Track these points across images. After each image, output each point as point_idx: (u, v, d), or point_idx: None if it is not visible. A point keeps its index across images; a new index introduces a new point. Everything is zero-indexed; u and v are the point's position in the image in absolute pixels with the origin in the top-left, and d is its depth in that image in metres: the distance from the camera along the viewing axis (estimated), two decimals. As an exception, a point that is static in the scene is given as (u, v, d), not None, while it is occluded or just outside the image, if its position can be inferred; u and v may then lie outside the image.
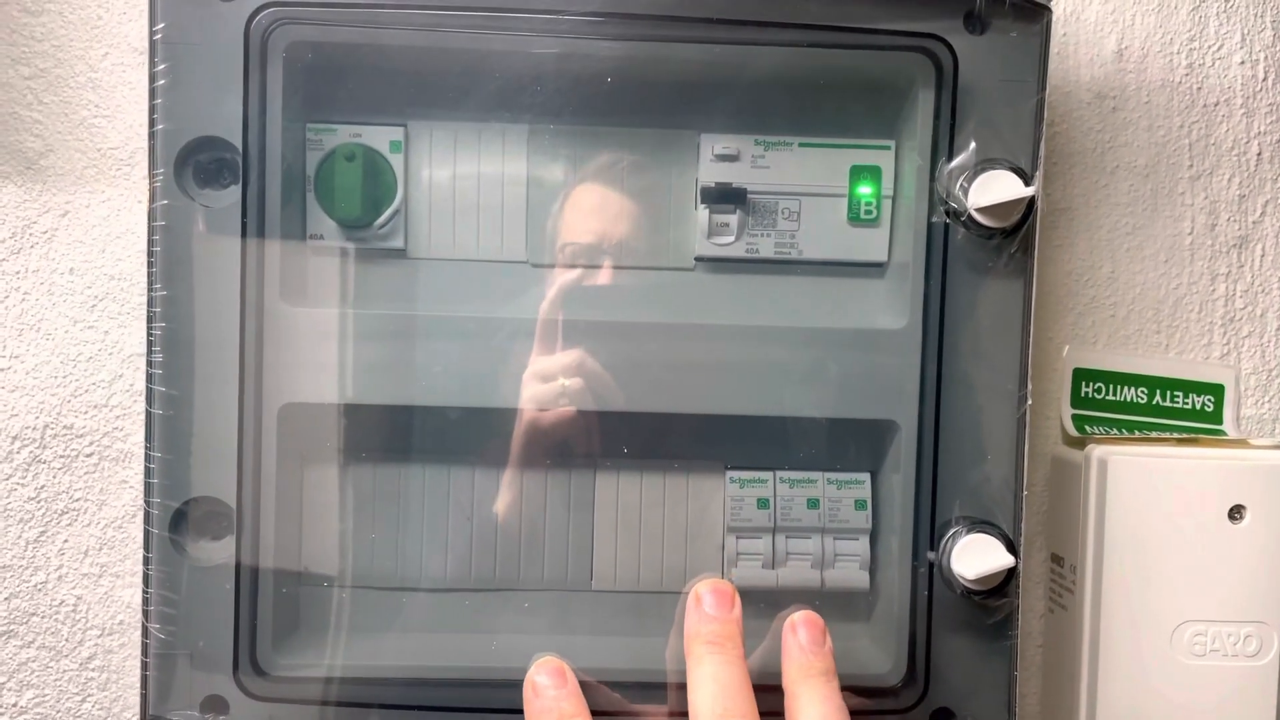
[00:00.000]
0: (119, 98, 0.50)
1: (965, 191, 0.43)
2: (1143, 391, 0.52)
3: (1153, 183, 0.52)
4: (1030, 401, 0.45)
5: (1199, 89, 0.52)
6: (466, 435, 0.46)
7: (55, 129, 0.50)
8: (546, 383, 0.45)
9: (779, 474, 0.47)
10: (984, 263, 0.44)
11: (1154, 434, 0.51)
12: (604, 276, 0.47)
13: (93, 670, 0.51)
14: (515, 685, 0.43)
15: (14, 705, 0.51)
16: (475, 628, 0.47)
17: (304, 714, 0.44)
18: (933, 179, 0.44)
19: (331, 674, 0.45)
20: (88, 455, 0.51)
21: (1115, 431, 0.51)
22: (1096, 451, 0.47)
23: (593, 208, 0.47)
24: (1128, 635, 0.47)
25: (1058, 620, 0.50)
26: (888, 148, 0.47)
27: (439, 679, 0.45)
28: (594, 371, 0.45)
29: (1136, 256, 0.52)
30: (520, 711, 0.40)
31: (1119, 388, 0.52)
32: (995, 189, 0.42)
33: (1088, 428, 0.51)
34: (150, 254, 0.43)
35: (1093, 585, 0.47)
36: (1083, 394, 0.52)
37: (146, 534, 0.44)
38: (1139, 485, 0.47)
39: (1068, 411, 0.51)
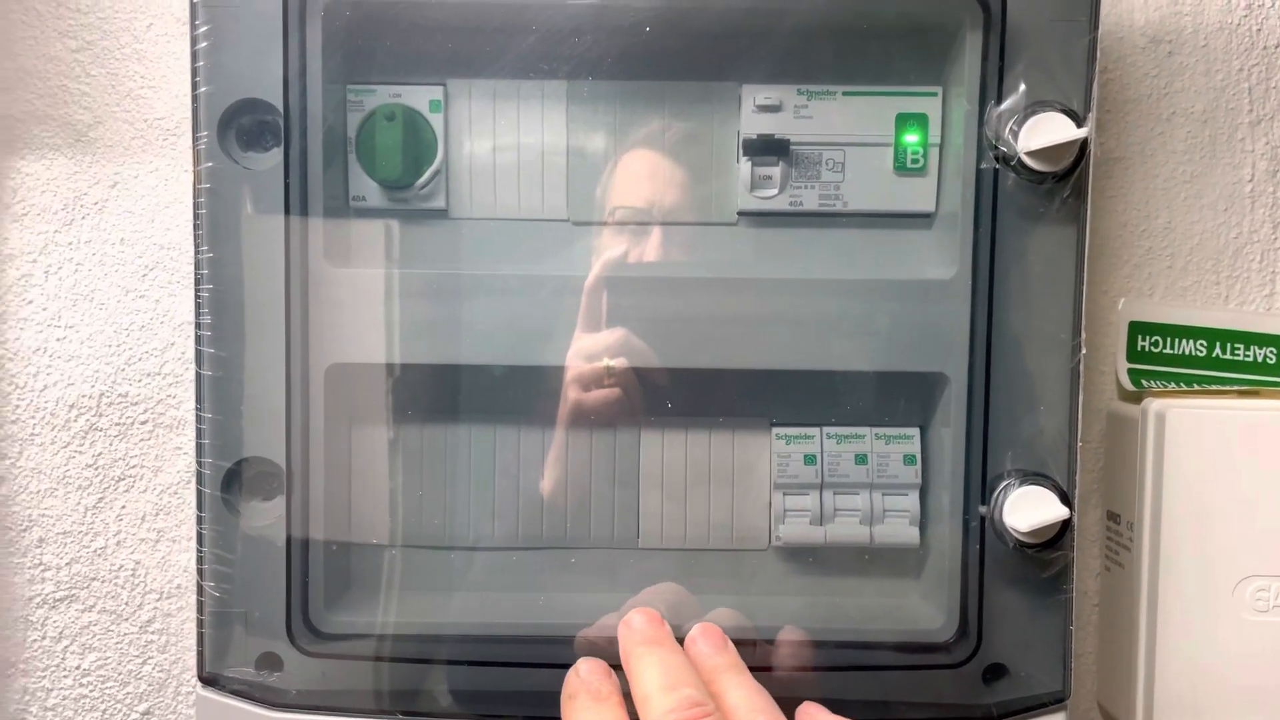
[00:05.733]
0: (164, 68, 0.51)
1: (1015, 135, 0.42)
2: (1202, 344, 0.50)
3: (1211, 129, 0.51)
4: (1084, 351, 0.44)
5: (1258, 30, 0.50)
6: (512, 394, 0.46)
7: (103, 101, 0.51)
8: (591, 363, 0.45)
9: (826, 429, 0.47)
10: (1035, 209, 0.43)
11: (1213, 387, 0.50)
12: (647, 236, 0.46)
13: (152, 633, 0.52)
14: (563, 641, 0.44)
15: (77, 668, 0.52)
16: (523, 585, 0.47)
17: (356, 669, 0.45)
18: (981, 124, 0.43)
19: (382, 631, 0.45)
20: (142, 422, 0.51)
21: (1173, 385, 0.50)
22: (1154, 405, 0.46)
23: (641, 173, 0.47)
24: (1188, 592, 0.46)
25: (1114, 578, 0.49)
26: (934, 94, 0.46)
27: (488, 635, 0.45)
28: (638, 349, 0.44)
29: (1195, 205, 0.51)
30: (565, 666, 0.40)
31: (1177, 340, 0.50)
32: (1046, 131, 0.41)
33: (1144, 382, 0.50)
34: (196, 217, 0.44)
35: (1151, 542, 0.46)
36: (1139, 348, 0.50)
37: (199, 494, 0.44)
38: (1198, 439, 0.46)
39: (1123, 365, 0.50)
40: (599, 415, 0.46)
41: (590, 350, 0.45)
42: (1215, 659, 0.46)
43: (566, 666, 0.41)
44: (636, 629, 0.40)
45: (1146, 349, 0.50)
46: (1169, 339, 0.51)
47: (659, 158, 0.47)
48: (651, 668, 0.38)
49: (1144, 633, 0.46)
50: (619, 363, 0.45)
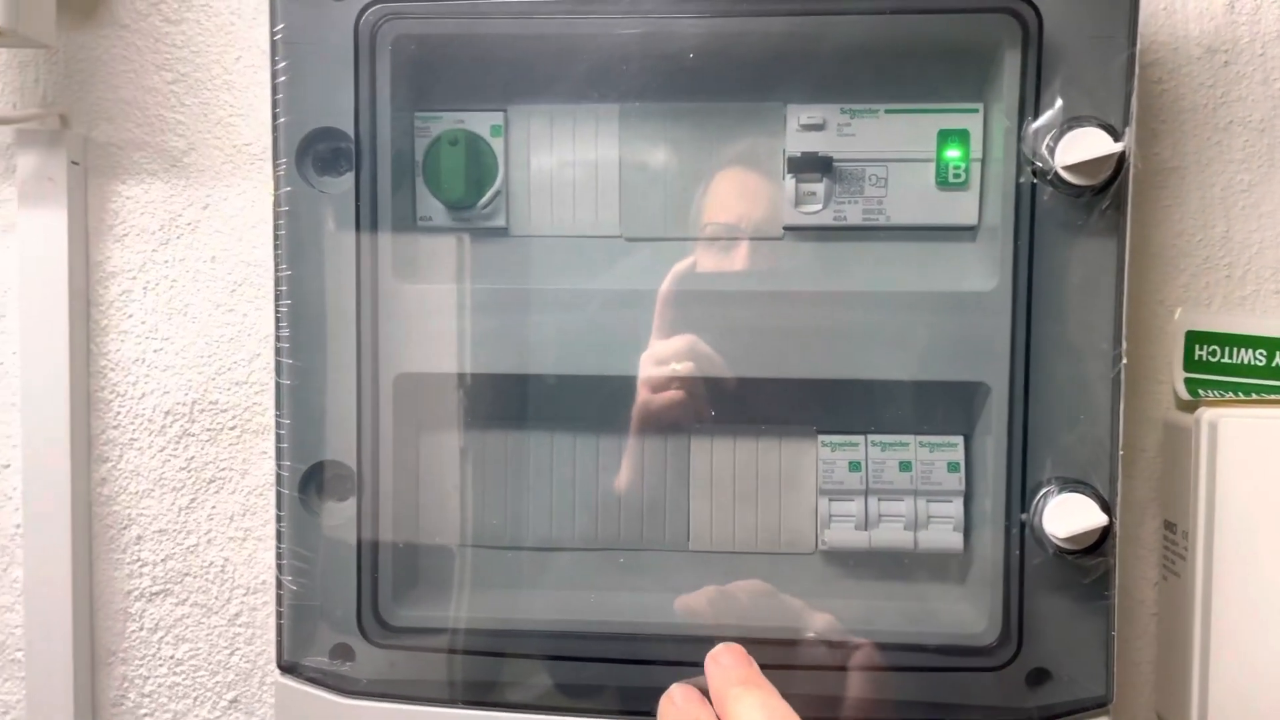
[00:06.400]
0: (251, 97, 0.54)
1: (1051, 151, 0.42)
2: (1261, 353, 0.50)
3: (1269, 137, 0.50)
4: (1125, 361, 0.44)
5: (1319, 38, 0.50)
6: (567, 402, 0.49)
7: (196, 129, 0.54)
8: (660, 366, 0.47)
9: (870, 437, 0.48)
10: (1074, 222, 0.44)
11: (1272, 396, 0.49)
12: (699, 251, 0.48)
13: (239, 626, 0.56)
14: (613, 638, 0.46)
15: (171, 657, 0.56)
16: (580, 584, 0.49)
17: (422, 661, 0.47)
18: (1019, 139, 0.44)
19: (445, 625, 0.48)
20: (231, 428, 0.55)
21: (1231, 395, 0.49)
22: (1207, 415, 0.46)
23: (727, 190, 0.48)
24: (1241, 601, 0.46)
25: (1171, 587, 0.49)
26: (975, 110, 0.46)
27: (546, 631, 0.47)
28: (704, 355, 0.46)
29: (1253, 214, 0.51)
30: (615, 661, 0.42)
31: (1235, 350, 0.50)
32: (1082, 146, 0.42)
33: (1202, 391, 0.50)
34: (276, 238, 0.47)
35: (1205, 551, 0.46)
36: (1196, 357, 0.50)
37: (279, 495, 0.47)
38: (1251, 448, 0.46)
39: (1180, 375, 0.50)
40: (663, 414, 0.48)
41: (659, 354, 0.47)
42: (1269, 667, 0.46)
43: (619, 661, 0.43)
44: (727, 666, 0.40)
45: (1204, 358, 0.50)
46: (1227, 348, 0.50)
47: (734, 176, 0.48)
48: (754, 710, 0.37)
49: (1198, 642, 0.46)
50: (685, 367, 0.46)
